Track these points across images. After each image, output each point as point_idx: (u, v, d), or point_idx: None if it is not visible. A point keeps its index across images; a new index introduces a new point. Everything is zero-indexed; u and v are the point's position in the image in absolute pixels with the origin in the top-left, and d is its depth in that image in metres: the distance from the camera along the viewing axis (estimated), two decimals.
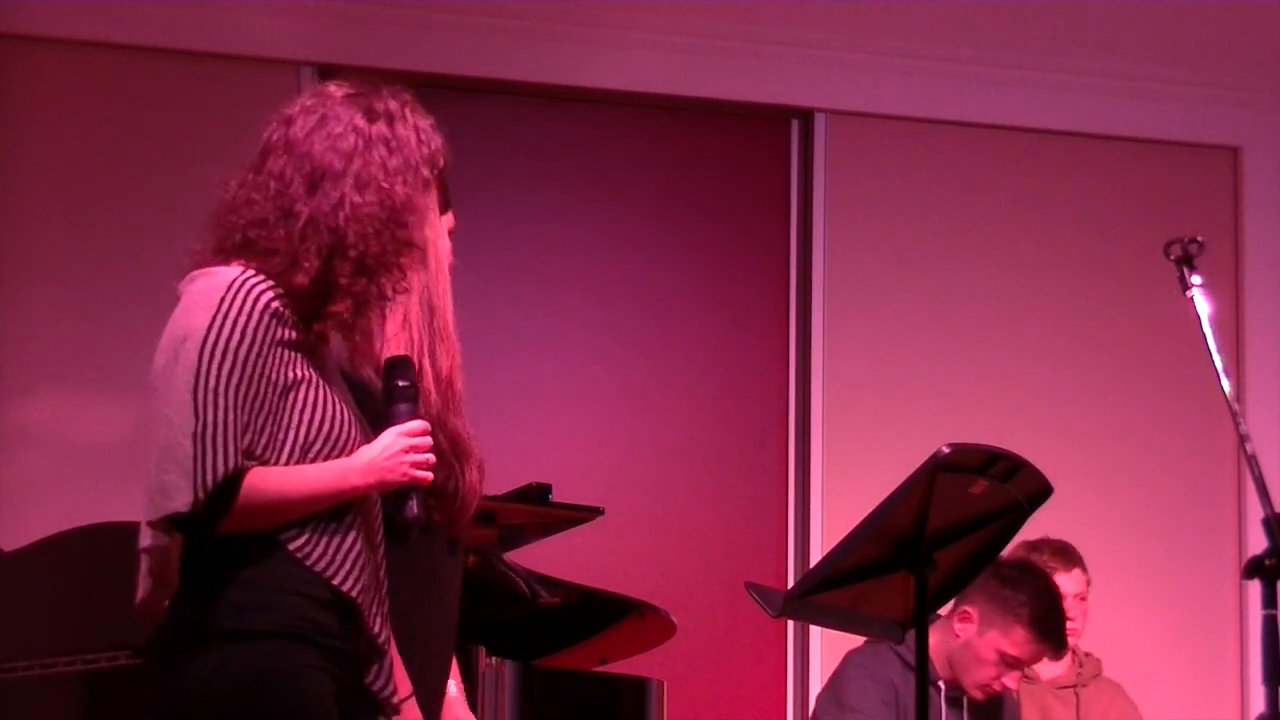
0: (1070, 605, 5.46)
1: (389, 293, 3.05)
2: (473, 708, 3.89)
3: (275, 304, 2.95)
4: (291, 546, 2.94)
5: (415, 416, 3.07)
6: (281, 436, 2.94)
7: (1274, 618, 3.18)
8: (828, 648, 5.93)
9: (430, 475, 3.05)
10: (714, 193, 6.49)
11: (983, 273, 6.55)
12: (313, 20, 6.08)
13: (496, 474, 3.73)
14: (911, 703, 4.62)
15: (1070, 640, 5.44)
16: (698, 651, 6.06)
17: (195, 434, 2.85)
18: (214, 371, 2.88)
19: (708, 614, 6.11)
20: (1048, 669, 5.59)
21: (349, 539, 2.99)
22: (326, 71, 5.85)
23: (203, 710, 2.88)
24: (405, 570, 3.17)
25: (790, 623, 6.20)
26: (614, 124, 6.44)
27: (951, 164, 6.57)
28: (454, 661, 3.44)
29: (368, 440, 3.03)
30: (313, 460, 2.96)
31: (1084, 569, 5.69)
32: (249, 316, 2.92)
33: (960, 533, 3.87)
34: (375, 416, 3.08)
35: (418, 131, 3.09)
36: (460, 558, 3.44)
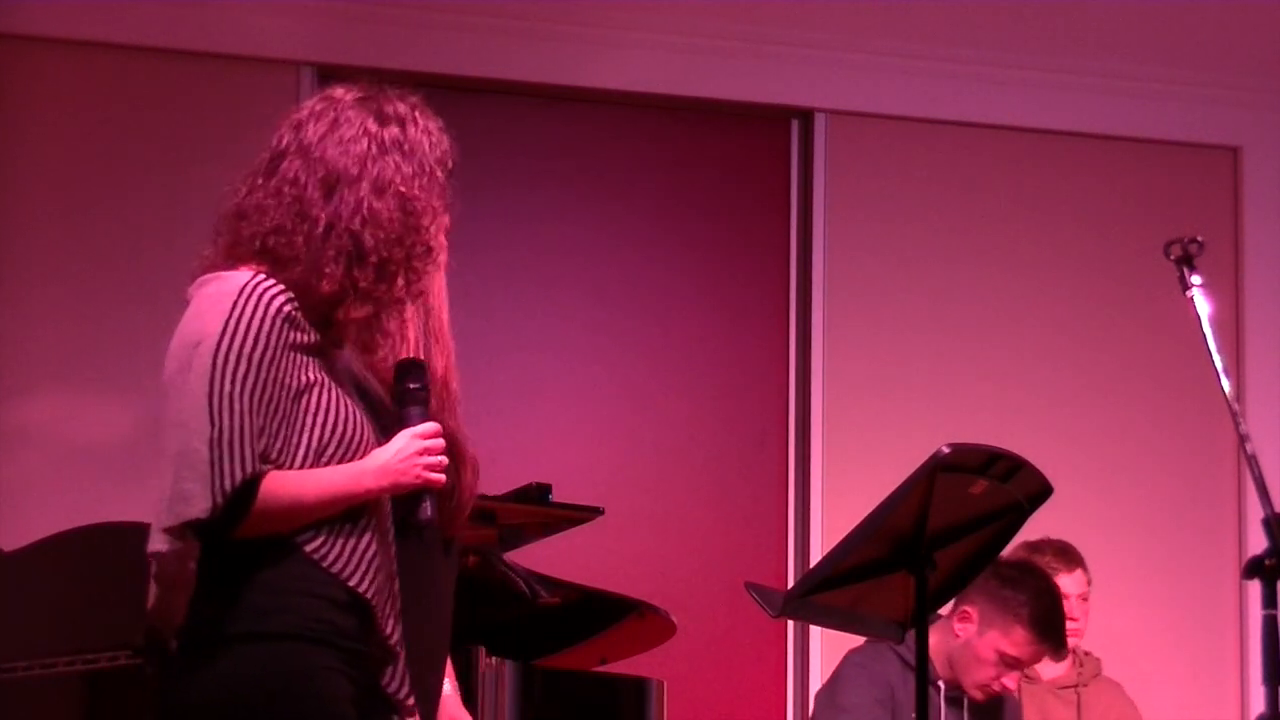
0: (1072, 606, 5.46)
1: (407, 296, 3.06)
2: (473, 708, 3.90)
3: (287, 308, 2.95)
4: (308, 549, 2.95)
5: (427, 419, 3.08)
6: (296, 440, 2.95)
7: (1274, 618, 3.18)
8: (828, 648, 5.93)
9: (443, 477, 3.06)
10: (714, 193, 6.49)
11: (983, 273, 6.55)
12: (313, 20, 6.08)
13: (496, 474, 3.73)
14: (909, 703, 4.62)
15: (1071, 641, 5.44)
16: (698, 651, 6.06)
17: (212, 439, 2.86)
18: (229, 376, 2.89)
19: (708, 614, 6.11)
20: (1049, 669, 5.59)
21: (364, 540, 3.00)
22: (326, 71, 5.85)
23: (220, 712, 2.89)
24: (401, 571, 3.17)
25: (790, 623, 6.19)
26: (614, 124, 6.44)
27: (951, 164, 6.57)
28: (448, 661, 3.45)
29: (380, 443, 3.04)
30: (327, 463, 2.97)
31: (1085, 569, 5.69)
32: (262, 321, 2.92)
33: (960, 533, 3.87)
34: (383, 428, 3.09)
35: (429, 134, 3.10)
36: (455, 558, 3.44)
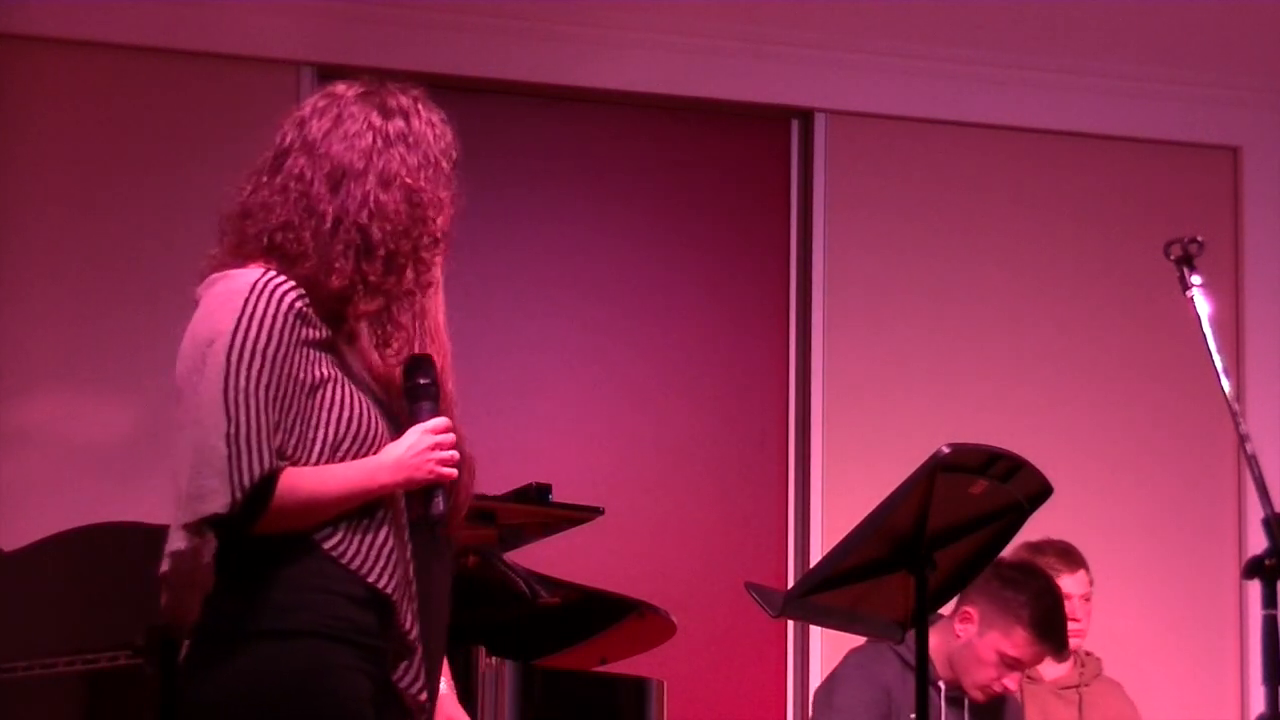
0: (1075, 607, 5.46)
1: (416, 287, 3.07)
2: (473, 708, 3.90)
3: (299, 304, 2.96)
4: (326, 545, 2.96)
5: (438, 414, 3.09)
6: (311, 435, 2.96)
7: (1274, 618, 3.18)
8: (828, 648, 5.93)
9: (455, 472, 3.07)
10: (714, 193, 6.49)
11: (983, 273, 6.55)
12: (313, 20, 6.08)
13: (496, 474, 3.73)
14: (907, 703, 4.62)
15: (1074, 642, 5.44)
16: (698, 651, 6.06)
17: (229, 435, 2.86)
18: (243, 373, 2.89)
19: (708, 614, 6.10)
20: (1051, 670, 5.59)
21: (381, 535, 3.00)
22: (326, 71, 5.85)
23: (238, 709, 2.90)
24: None
25: (790, 623, 6.19)
26: (614, 124, 6.44)
27: (951, 164, 6.57)
28: (445, 660, 3.45)
29: (393, 438, 3.04)
30: (341, 458, 2.97)
31: (1088, 570, 5.69)
32: (274, 317, 2.93)
33: (960, 533, 3.87)
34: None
35: (433, 126, 3.11)
36: (451, 558, 3.44)
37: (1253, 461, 3.37)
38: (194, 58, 6.04)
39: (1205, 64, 6.61)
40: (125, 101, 6.01)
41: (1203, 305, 3.46)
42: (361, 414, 3.00)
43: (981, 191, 6.59)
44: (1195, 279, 3.48)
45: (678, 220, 6.45)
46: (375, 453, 3.00)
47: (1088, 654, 5.74)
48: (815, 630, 6.14)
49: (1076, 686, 5.66)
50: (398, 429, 3.06)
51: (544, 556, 4.73)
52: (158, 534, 3.54)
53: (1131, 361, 6.59)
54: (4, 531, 4.90)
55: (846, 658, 4.90)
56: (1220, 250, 6.58)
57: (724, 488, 6.35)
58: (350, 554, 2.96)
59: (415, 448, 3.03)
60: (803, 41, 6.40)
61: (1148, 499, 6.55)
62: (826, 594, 3.87)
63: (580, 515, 4.64)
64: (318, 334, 2.98)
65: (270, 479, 2.89)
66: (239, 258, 3.02)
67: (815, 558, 6.10)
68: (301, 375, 2.95)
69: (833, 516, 6.20)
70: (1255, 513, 3.68)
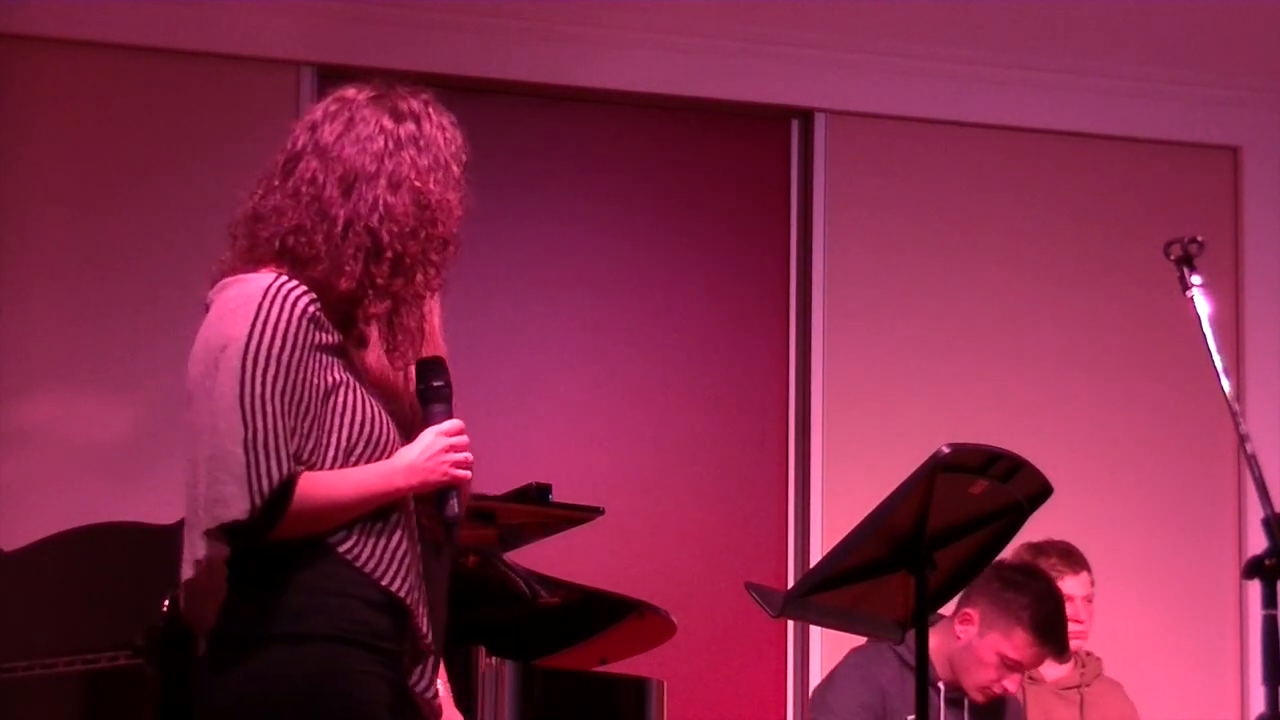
0: (1077, 608, 5.46)
1: (426, 290, 3.07)
2: (473, 708, 3.89)
3: (312, 308, 2.96)
4: (341, 549, 2.96)
5: (451, 415, 3.09)
6: (325, 440, 2.96)
7: (1274, 618, 3.18)
8: (828, 648, 5.93)
9: (469, 474, 3.07)
10: (714, 193, 6.49)
11: (983, 273, 6.55)
12: (313, 20, 6.07)
13: (496, 474, 3.73)
14: (905, 705, 4.62)
15: (1075, 642, 5.44)
16: (698, 651, 6.06)
17: (246, 441, 2.86)
18: (259, 378, 2.89)
19: (708, 614, 6.10)
20: (1052, 670, 5.59)
21: (395, 539, 3.01)
22: (326, 71, 5.85)
23: (253, 713, 2.90)
24: None
25: (790, 623, 6.19)
26: (614, 124, 6.44)
27: (951, 164, 6.57)
28: (442, 661, 3.45)
29: (404, 441, 3.05)
30: (355, 463, 2.98)
31: (1090, 572, 5.68)
32: (288, 322, 2.93)
33: (960, 533, 3.87)
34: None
35: (443, 129, 3.12)
36: (448, 559, 3.44)
37: (1253, 461, 3.37)
38: (194, 58, 6.04)
39: (1205, 64, 6.61)
40: (125, 101, 6.01)
41: (1203, 305, 3.46)
42: (374, 418, 3.01)
43: (981, 191, 6.59)
44: (1195, 279, 3.48)
45: (678, 220, 6.45)
46: (387, 457, 3.01)
47: (1088, 654, 5.74)
48: (815, 630, 6.14)
49: (1077, 687, 5.66)
50: (405, 433, 3.06)
51: (544, 556, 4.73)
52: (158, 534, 3.54)
53: (1131, 361, 6.59)
54: (4, 531, 4.90)
55: (847, 657, 4.90)
56: (1220, 250, 6.58)
57: (724, 488, 6.35)
58: (365, 558, 2.96)
59: (429, 450, 3.03)
60: (802, 41, 6.40)
61: (1148, 499, 6.55)
62: (826, 594, 3.87)
63: (580, 515, 4.64)
64: (330, 338, 2.98)
65: (288, 485, 2.89)
66: (251, 262, 3.01)
67: (815, 558, 6.10)
68: (315, 380, 2.95)
69: (833, 516, 6.20)
70: (1255, 513, 3.68)
